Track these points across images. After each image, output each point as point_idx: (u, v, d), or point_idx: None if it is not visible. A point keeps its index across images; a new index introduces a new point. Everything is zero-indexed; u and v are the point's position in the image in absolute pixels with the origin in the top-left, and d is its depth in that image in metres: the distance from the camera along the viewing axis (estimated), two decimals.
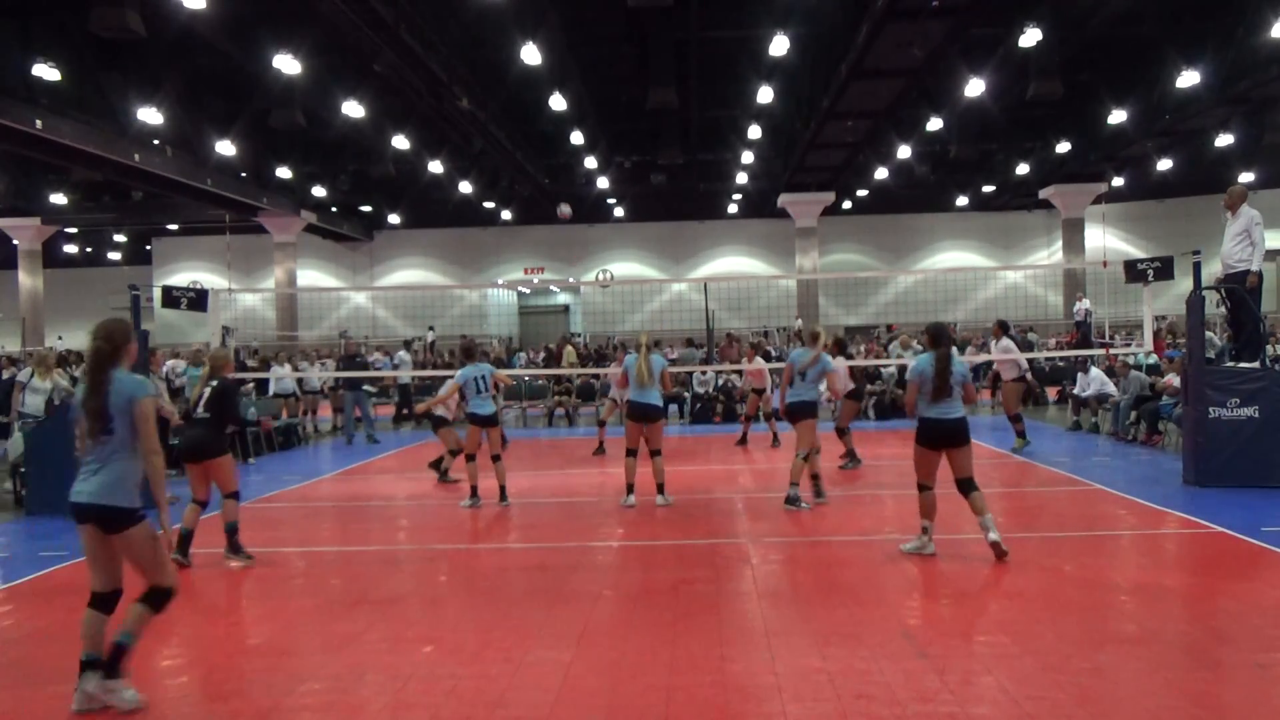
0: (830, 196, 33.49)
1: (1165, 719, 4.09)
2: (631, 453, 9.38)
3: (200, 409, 7.49)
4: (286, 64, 18.64)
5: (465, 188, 32.51)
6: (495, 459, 9.69)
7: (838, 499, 9.64)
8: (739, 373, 19.19)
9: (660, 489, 9.37)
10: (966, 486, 6.84)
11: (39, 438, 10.23)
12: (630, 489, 9.36)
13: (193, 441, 7.50)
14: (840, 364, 12.88)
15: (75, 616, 6.07)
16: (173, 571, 4.73)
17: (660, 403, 9.45)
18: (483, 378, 9.65)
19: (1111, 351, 15.84)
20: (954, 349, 7.15)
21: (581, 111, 25.91)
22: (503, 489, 9.64)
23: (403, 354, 22.55)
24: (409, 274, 40.06)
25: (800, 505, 8.86)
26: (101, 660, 4.43)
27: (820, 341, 9.15)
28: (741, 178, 33.50)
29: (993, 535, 6.71)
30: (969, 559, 6.97)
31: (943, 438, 6.86)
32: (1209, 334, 11.62)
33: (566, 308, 41.26)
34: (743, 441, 14.55)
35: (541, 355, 26.31)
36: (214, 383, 7.55)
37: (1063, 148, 29.31)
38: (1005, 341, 13.18)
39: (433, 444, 15.36)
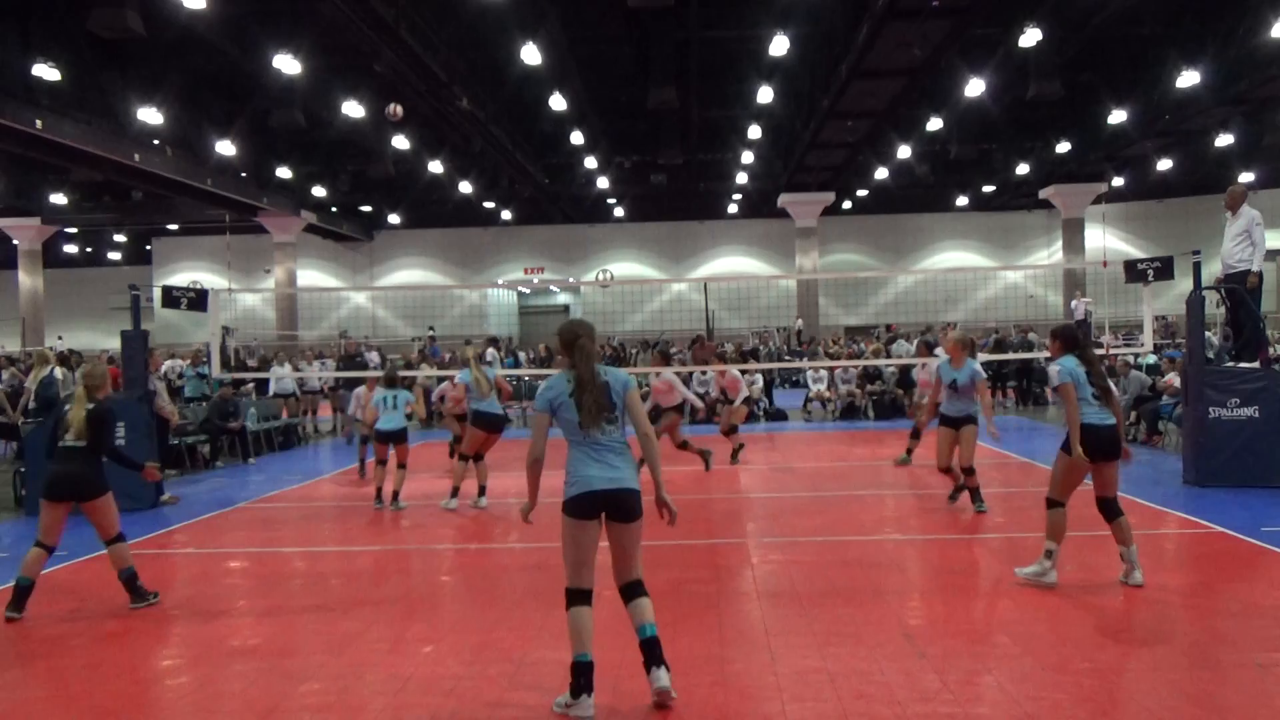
0: (830, 196, 33.48)
1: (1165, 719, 4.10)
2: (479, 458, 9.92)
3: (70, 437, 6.17)
4: (286, 64, 18.64)
5: (465, 188, 32.51)
6: (399, 466, 10.07)
7: (836, 499, 9.63)
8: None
9: (482, 490, 9.92)
10: (1112, 510, 6.14)
11: (38, 437, 10.21)
12: (455, 492, 9.80)
13: (63, 478, 6.13)
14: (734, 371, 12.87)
15: (75, 616, 6.11)
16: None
17: (502, 411, 10.16)
18: (394, 396, 10.11)
19: (1111, 351, 15.83)
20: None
21: (581, 111, 25.91)
22: (395, 494, 9.98)
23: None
24: (409, 274, 40.06)
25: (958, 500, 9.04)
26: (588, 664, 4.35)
27: (964, 350, 8.75)
28: (741, 178, 33.48)
29: (1136, 575, 6.01)
30: (969, 558, 6.97)
31: (1102, 447, 6.06)
32: (1207, 333, 11.61)
33: (566, 308, 41.24)
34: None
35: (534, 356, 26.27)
36: (90, 405, 6.23)
37: (1063, 148, 29.29)
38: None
39: (433, 444, 15.38)
